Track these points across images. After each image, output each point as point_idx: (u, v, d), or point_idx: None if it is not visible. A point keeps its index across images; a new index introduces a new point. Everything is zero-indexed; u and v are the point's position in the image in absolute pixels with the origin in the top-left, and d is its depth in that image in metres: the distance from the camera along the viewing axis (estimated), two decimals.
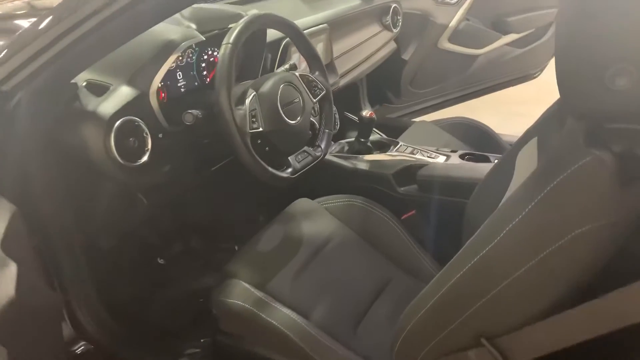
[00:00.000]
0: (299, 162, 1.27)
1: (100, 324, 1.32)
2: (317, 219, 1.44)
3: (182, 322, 1.55)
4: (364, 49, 1.93)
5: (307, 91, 1.30)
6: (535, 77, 2.83)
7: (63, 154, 1.10)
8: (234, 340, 1.26)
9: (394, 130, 2.02)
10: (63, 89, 1.08)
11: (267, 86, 1.19)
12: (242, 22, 1.16)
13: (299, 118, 1.24)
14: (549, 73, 2.69)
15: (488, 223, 0.82)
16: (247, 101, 1.15)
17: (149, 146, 1.14)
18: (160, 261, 1.70)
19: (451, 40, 2.37)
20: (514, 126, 2.01)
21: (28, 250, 1.00)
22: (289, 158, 1.26)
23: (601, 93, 0.60)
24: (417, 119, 2.34)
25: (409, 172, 1.51)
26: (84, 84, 1.13)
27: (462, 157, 1.58)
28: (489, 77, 2.63)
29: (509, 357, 0.80)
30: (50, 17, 0.98)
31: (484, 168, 1.47)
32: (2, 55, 0.99)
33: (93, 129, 1.07)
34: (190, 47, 1.28)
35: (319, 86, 1.34)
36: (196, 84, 1.35)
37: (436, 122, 2.04)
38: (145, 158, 1.13)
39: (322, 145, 1.36)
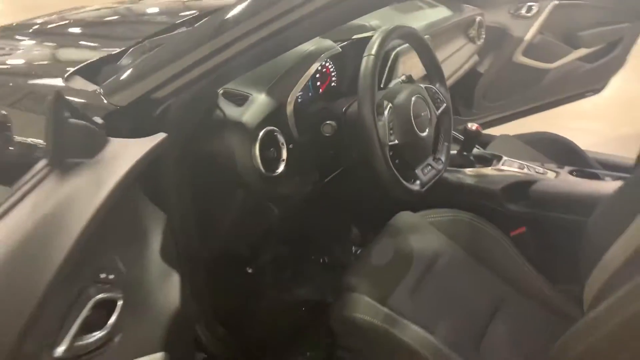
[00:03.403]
0: (424, 175, 1.25)
1: (215, 335, 1.30)
2: (423, 233, 1.42)
3: (280, 336, 1.53)
4: (453, 61, 1.92)
5: (432, 103, 1.28)
6: (599, 92, 2.81)
7: (203, 161, 1.09)
8: (355, 356, 1.24)
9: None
10: (207, 99, 1.07)
11: (401, 98, 1.18)
12: (380, 33, 1.15)
13: (427, 130, 1.22)
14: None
15: None
16: (386, 113, 1.14)
17: (284, 156, 1.13)
18: (249, 270, 1.68)
19: (525, 53, 2.35)
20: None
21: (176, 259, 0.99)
22: (415, 171, 1.24)
23: None
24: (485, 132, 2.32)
25: (518, 187, 1.48)
26: (221, 91, 1.12)
27: (570, 173, 1.55)
28: (557, 91, 2.61)
29: None
30: (205, 31, 0.97)
31: (600, 185, 1.45)
32: (153, 64, 0.98)
33: (239, 137, 1.05)
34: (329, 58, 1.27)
35: (440, 98, 1.32)
36: (310, 94, 1.34)
37: (518, 137, 2.01)
38: (281, 168, 1.12)
39: (443, 158, 1.34)
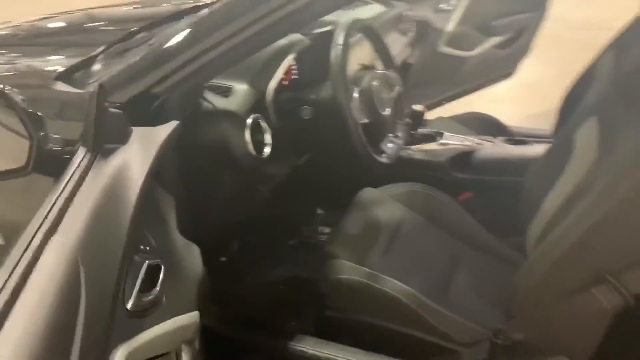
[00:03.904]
0: (389, 150, 1.42)
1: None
2: (386, 205, 1.59)
3: (264, 312, 1.64)
4: None
5: (388, 86, 1.45)
6: (510, 77, 3.12)
7: (197, 149, 1.20)
8: (346, 313, 1.38)
9: None
10: (197, 93, 1.18)
11: (365, 82, 1.34)
12: (344, 26, 1.30)
13: (387, 110, 1.40)
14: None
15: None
16: (355, 95, 1.29)
17: (269, 140, 1.26)
18: (223, 259, 1.78)
19: (448, 44, 2.60)
20: None
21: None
22: (381, 146, 1.41)
23: None
24: None
25: (461, 157, 1.69)
26: (206, 85, 1.23)
27: (503, 142, 1.78)
28: (476, 76, 2.88)
29: (628, 289, 0.98)
30: (196, 31, 1.06)
31: (531, 149, 1.68)
32: (149, 63, 1.07)
33: (231, 124, 1.17)
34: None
35: (393, 82, 1.50)
36: (282, 85, 1.47)
37: (451, 118, 2.24)
38: (268, 150, 1.24)
39: (401, 134, 1.52)
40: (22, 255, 0.69)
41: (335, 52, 1.24)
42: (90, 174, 0.79)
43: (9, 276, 0.66)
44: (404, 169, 1.74)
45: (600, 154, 1.23)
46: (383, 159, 1.36)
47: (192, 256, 0.96)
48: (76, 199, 0.75)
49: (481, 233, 1.59)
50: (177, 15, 1.39)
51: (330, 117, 1.28)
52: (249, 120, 1.17)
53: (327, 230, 1.84)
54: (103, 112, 0.82)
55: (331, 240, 1.46)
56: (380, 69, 1.47)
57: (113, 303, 0.72)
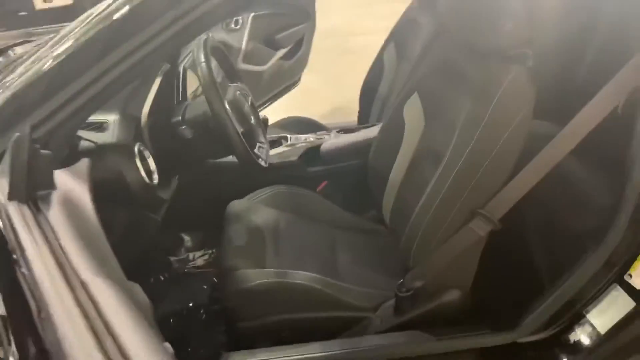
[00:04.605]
0: (261, 154, 1.49)
1: None
2: (257, 211, 1.67)
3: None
4: None
5: (244, 97, 1.53)
6: (297, 85, 3.41)
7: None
8: (260, 319, 1.41)
9: None
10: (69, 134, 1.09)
11: (230, 95, 1.39)
12: (200, 46, 1.33)
13: (252, 118, 1.47)
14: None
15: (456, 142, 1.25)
16: (228, 109, 1.34)
17: (153, 167, 1.23)
18: None
19: (244, 60, 2.74)
20: None
21: None
22: (255, 151, 1.47)
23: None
24: None
25: (310, 153, 1.85)
26: None
27: (337, 133, 1.99)
28: (273, 88, 3.08)
29: (494, 216, 1.24)
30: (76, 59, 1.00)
31: (365, 133, 1.91)
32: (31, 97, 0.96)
33: (120, 157, 1.11)
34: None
35: (246, 93, 1.58)
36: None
37: (274, 125, 2.39)
38: (156, 177, 1.21)
39: (263, 140, 1.60)
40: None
41: (201, 69, 1.27)
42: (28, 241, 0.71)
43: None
44: (262, 176, 1.82)
45: (427, 121, 1.49)
46: (262, 163, 1.43)
47: (138, 293, 0.91)
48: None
49: (344, 215, 1.76)
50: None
51: (212, 131, 1.29)
52: (136, 148, 1.13)
53: (198, 254, 1.82)
54: (35, 157, 0.74)
55: (225, 255, 1.47)
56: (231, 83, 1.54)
57: None
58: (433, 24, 1.91)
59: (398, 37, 2.21)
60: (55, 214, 0.73)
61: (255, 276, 1.38)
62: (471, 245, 1.28)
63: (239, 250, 1.50)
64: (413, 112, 1.56)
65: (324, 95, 4.22)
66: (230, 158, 1.65)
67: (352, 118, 2.76)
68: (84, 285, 0.66)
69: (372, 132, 1.82)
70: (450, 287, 1.38)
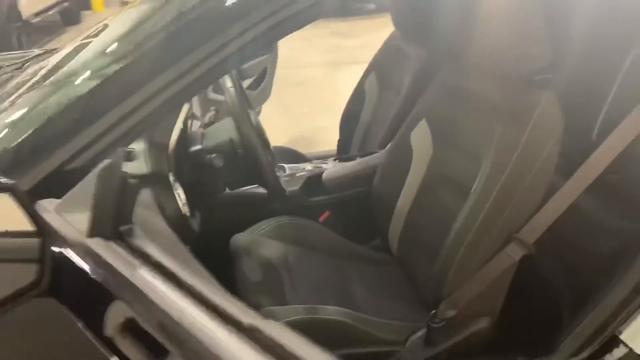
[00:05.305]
0: (284, 182, 1.42)
1: None
2: (265, 245, 1.59)
3: None
4: None
5: None
6: (259, 115, 3.35)
7: None
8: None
9: None
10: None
11: (253, 121, 1.32)
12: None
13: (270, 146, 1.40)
14: None
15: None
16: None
17: (184, 197, 1.13)
18: None
19: (214, 90, 2.65)
20: None
21: None
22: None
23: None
24: None
25: (311, 182, 1.79)
26: None
27: (334, 161, 1.94)
28: None
29: (529, 241, 1.24)
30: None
31: (367, 161, 1.88)
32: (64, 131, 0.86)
33: (158, 188, 1.01)
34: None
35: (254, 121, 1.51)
36: None
37: None
38: (187, 208, 1.12)
39: (279, 168, 1.53)
40: None
41: (229, 94, 1.19)
42: None
43: None
44: (263, 207, 1.74)
45: (436, 148, 1.49)
46: (289, 189, 1.37)
47: None
48: None
49: (349, 245, 1.71)
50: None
51: (240, 159, 1.21)
52: (171, 177, 1.03)
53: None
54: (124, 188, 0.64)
55: (243, 294, 1.38)
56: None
57: None
58: (422, 54, 1.94)
59: (379, 66, 2.23)
60: (147, 245, 0.63)
61: (285, 314, 1.29)
62: (504, 270, 1.27)
63: (257, 286, 1.41)
64: (421, 139, 1.55)
65: (280, 125, 4.18)
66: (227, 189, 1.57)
67: (311, 148, 2.75)
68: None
69: (373, 159, 1.79)
70: (481, 315, 1.35)
